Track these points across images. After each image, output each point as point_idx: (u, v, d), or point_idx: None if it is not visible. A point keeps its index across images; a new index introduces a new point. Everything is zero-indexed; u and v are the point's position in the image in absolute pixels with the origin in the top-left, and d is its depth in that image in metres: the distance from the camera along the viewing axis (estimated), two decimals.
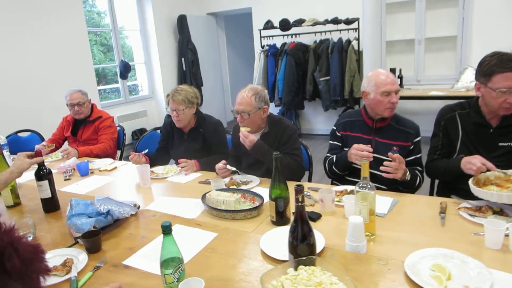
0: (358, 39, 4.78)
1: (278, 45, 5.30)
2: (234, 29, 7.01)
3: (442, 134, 1.76)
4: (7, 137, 2.89)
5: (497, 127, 1.61)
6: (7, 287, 0.61)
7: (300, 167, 1.92)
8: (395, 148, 1.80)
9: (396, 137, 1.81)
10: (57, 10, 4.10)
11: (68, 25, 4.22)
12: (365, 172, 1.21)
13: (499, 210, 1.34)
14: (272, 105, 5.16)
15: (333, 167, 1.90)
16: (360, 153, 1.67)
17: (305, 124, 5.77)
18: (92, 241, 1.25)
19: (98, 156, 2.63)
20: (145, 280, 1.10)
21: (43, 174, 1.61)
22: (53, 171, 1.72)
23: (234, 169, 1.93)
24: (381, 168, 1.60)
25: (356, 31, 4.78)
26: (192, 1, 5.91)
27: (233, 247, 1.25)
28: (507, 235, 1.15)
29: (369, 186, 1.21)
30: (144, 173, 1.90)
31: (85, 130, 2.80)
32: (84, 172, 2.17)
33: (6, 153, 2.36)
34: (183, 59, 5.62)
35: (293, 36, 5.26)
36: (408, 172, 1.67)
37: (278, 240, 1.24)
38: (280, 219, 1.37)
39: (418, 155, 1.82)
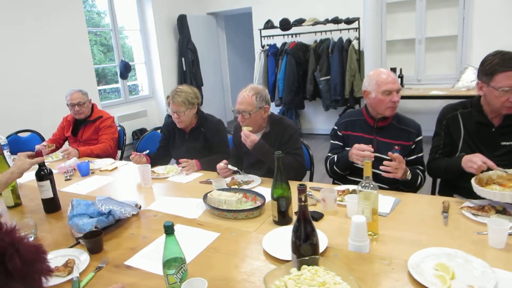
0: (358, 39, 4.77)
1: (279, 45, 5.30)
2: (234, 29, 7.00)
3: (444, 133, 1.76)
4: (7, 137, 2.89)
5: (499, 126, 1.61)
6: None
7: (302, 167, 1.91)
8: (396, 147, 1.79)
9: (397, 137, 1.80)
10: (57, 10, 4.09)
11: (68, 25, 4.21)
12: (368, 171, 1.21)
13: (502, 209, 1.33)
14: (272, 104, 5.15)
15: (334, 167, 1.90)
16: (361, 153, 1.66)
17: (305, 123, 5.77)
18: (93, 241, 1.24)
19: (99, 156, 2.62)
20: (147, 280, 1.09)
21: (44, 174, 1.61)
22: (54, 171, 1.72)
23: (235, 169, 1.93)
24: (381, 167, 1.60)
25: (356, 30, 4.77)
26: (192, 1, 5.91)
27: (235, 247, 1.24)
28: (510, 234, 1.15)
29: (371, 186, 1.21)
30: (145, 173, 1.90)
31: (86, 130, 2.80)
32: (85, 172, 2.17)
33: (6, 153, 2.35)
34: (183, 59, 5.62)
35: (294, 35, 5.25)
36: (409, 172, 1.67)
37: (280, 240, 1.24)
38: (282, 218, 1.37)
39: (420, 154, 1.82)
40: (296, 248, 1.02)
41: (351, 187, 1.67)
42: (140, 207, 1.58)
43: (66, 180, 2.11)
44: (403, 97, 2.78)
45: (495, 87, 1.50)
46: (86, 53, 4.44)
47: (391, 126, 1.83)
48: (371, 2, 4.46)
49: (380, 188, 1.65)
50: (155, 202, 1.68)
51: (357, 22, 4.74)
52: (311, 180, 2.15)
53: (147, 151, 2.20)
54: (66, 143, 2.94)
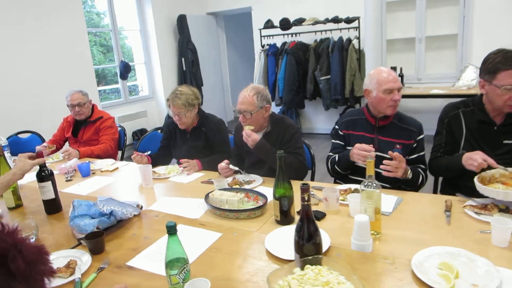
0: (358, 38, 4.77)
1: (279, 45, 5.29)
2: (234, 29, 7.00)
3: (445, 132, 1.75)
4: (7, 138, 2.88)
5: (502, 125, 1.60)
6: None
7: (303, 166, 1.91)
8: (398, 146, 1.79)
9: (399, 135, 1.80)
10: (57, 10, 4.08)
11: (68, 26, 4.21)
12: (371, 170, 1.20)
13: (505, 208, 1.33)
14: (272, 104, 5.14)
15: (336, 167, 1.90)
16: (362, 153, 1.66)
17: (305, 123, 5.76)
18: (95, 242, 1.24)
19: (99, 156, 2.62)
20: (150, 281, 1.09)
21: (45, 175, 1.60)
22: (54, 172, 1.71)
23: (236, 168, 1.93)
24: (381, 166, 1.59)
25: (356, 30, 4.77)
26: (192, 1, 5.90)
27: (237, 247, 1.24)
28: None
29: (374, 185, 1.20)
30: (146, 173, 1.89)
31: (86, 131, 2.79)
32: (86, 173, 2.16)
33: (7, 154, 2.35)
34: (183, 59, 5.61)
35: (294, 35, 5.24)
36: (410, 171, 1.66)
37: (282, 239, 1.23)
38: (284, 218, 1.37)
39: (421, 153, 1.81)
40: (299, 247, 1.01)
41: (353, 186, 1.67)
42: (141, 208, 1.57)
43: (66, 181, 2.11)
44: (403, 96, 2.78)
45: (497, 86, 1.49)
46: (86, 54, 4.44)
47: (392, 125, 1.83)
48: (372, 1, 4.46)
49: (382, 187, 1.64)
50: (157, 203, 1.67)
51: (357, 21, 4.73)
52: (312, 179, 2.14)
53: (149, 152, 2.19)
54: (67, 144, 2.94)
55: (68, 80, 4.13)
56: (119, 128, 2.96)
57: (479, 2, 4.33)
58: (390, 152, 1.59)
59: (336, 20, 4.80)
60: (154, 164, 2.18)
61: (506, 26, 4.22)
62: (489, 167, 1.44)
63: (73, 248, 1.29)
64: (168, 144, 2.38)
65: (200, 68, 5.73)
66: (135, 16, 5.32)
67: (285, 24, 5.12)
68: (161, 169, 2.15)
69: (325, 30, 4.98)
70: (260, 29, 5.39)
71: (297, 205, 1.43)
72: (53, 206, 1.63)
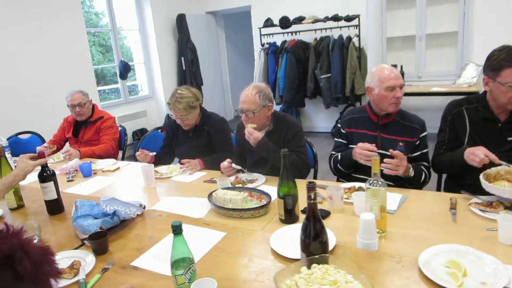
0: (358, 36, 4.76)
1: (278, 43, 5.28)
2: (234, 28, 6.98)
3: (448, 129, 1.75)
4: (7, 139, 2.86)
5: (506, 122, 1.60)
6: None
7: (306, 165, 1.90)
8: (400, 144, 1.78)
9: (401, 133, 1.79)
10: (57, 11, 4.07)
11: (67, 26, 4.19)
12: (376, 168, 1.20)
13: (510, 205, 1.32)
14: None
15: (338, 165, 1.89)
16: (364, 152, 1.65)
17: (306, 121, 5.76)
18: (99, 242, 1.23)
19: (100, 156, 2.61)
20: (155, 281, 1.08)
21: (46, 175, 1.59)
22: (56, 172, 1.70)
23: (239, 167, 1.92)
24: (382, 165, 1.58)
25: (356, 28, 4.76)
26: (191, 0, 5.88)
27: (242, 247, 1.23)
28: None
29: (380, 183, 1.19)
30: (149, 173, 1.88)
31: (87, 131, 2.78)
32: (87, 173, 2.15)
33: (7, 155, 2.34)
34: (182, 58, 5.60)
35: (293, 33, 5.23)
36: (412, 169, 1.66)
37: (287, 238, 1.22)
38: (288, 217, 1.36)
39: (425, 150, 1.80)
40: (306, 246, 1.01)
41: (357, 184, 1.66)
42: (144, 207, 1.56)
43: (68, 181, 2.10)
44: (404, 94, 2.77)
45: (501, 83, 1.49)
46: (85, 54, 4.42)
47: (395, 123, 1.82)
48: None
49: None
50: (160, 202, 1.67)
51: (357, 19, 4.72)
52: (315, 178, 2.14)
53: (154, 153, 2.19)
54: (67, 144, 2.92)
55: (67, 80, 4.12)
56: (119, 128, 2.95)
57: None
58: (391, 150, 1.58)
59: (336, 18, 4.79)
60: (157, 163, 2.17)
61: (506, 23, 4.21)
62: (492, 164, 1.43)
63: (76, 248, 1.28)
64: (170, 143, 2.37)
65: (200, 68, 5.72)
66: (134, 15, 5.30)
67: (285, 23, 5.11)
68: (163, 169, 2.14)
69: (325, 28, 4.97)
70: (260, 28, 5.37)
71: (301, 204, 1.43)
72: (55, 207, 1.62)
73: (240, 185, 1.76)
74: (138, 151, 2.19)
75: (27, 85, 3.85)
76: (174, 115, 2.17)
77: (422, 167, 1.75)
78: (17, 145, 3.07)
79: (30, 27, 3.85)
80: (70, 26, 4.22)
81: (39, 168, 1.59)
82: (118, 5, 5.03)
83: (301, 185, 1.39)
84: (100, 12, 5.40)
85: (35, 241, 1.28)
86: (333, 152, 1.97)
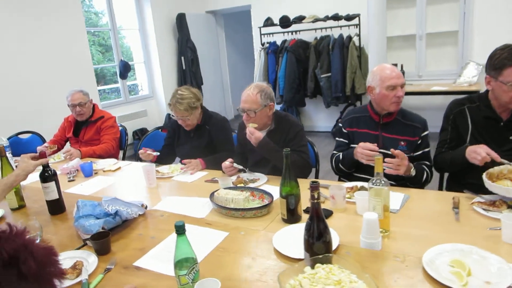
0: (359, 35, 4.75)
1: (278, 42, 5.28)
2: (234, 27, 6.98)
3: (450, 128, 1.74)
4: (8, 139, 2.86)
5: (508, 121, 1.59)
6: None
7: (307, 164, 1.90)
8: (402, 143, 1.78)
9: (403, 132, 1.79)
10: (57, 10, 4.06)
11: (67, 26, 4.18)
12: (379, 167, 1.19)
13: None
14: None
15: (340, 165, 1.89)
16: (366, 152, 1.65)
17: (306, 121, 5.75)
18: (101, 242, 1.22)
19: (101, 156, 2.60)
20: (157, 281, 1.08)
21: (48, 175, 1.59)
22: (57, 172, 1.70)
23: (241, 167, 1.91)
24: (383, 164, 1.58)
25: (357, 27, 4.75)
26: None
27: (245, 246, 1.23)
28: None
29: (382, 182, 1.19)
30: (150, 172, 1.88)
31: (87, 131, 2.78)
32: (88, 173, 2.15)
33: (8, 155, 2.33)
34: (182, 57, 5.59)
35: (294, 33, 5.23)
36: (413, 168, 1.65)
37: (290, 238, 1.22)
38: (291, 216, 1.35)
39: (426, 149, 1.80)
40: (309, 246, 1.00)
41: (359, 183, 1.65)
42: (146, 207, 1.56)
43: (69, 181, 2.09)
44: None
45: (503, 82, 1.48)
46: (85, 54, 4.42)
47: (396, 122, 1.81)
48: None
49: None
50: (161, 202, 1.66)
51: (357, 18, 4.72)
52: (316, 177, 2.13)
53: (158, 153, 2.18)
54: (68, 144, 2.92)
55: (67, 80, 4.11)
56: (120, 128, 2.94)
57: None
58: (392, 149, 1.58)
59: (336, 17, 4.79)
60: (158, 163, 2.17)
61: (506, 22, 4.21)
62: (494, 163, 1.43)
63: (78, 249, 1.28)
64: (172, 143, 2.37)
65: (200, 67, 5.71)
66: (134, 15, 5.29)
67: (285, 22, 5.10)
68: (164, 168, 2.14)
69: (325, 28, 4.97)
70: (260, 27, 5.37)
71: (303, 204, 1.43)
72: (56, 207, 1.62)
73: (242, 185, 1.76)
74: (141, 149, 2.18)
75: (27, 85, 3.84)
76: (176, 116, 2.17)
77: (424, 166, 1.75)
78: (18, 145, 3.07)
79: (30, 27, 3.84)
80: (70, 25, 4.21)
81: (40, 168, 1.59)
82: (118, 5, 5.02)
83: (302, 184, 1.39)
84: (99, 12, 5.39)
85: (37, 242, 1.28)
86: (334, 152, 1.96)
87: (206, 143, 2.23)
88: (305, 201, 1.44)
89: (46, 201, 1.62)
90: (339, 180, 2.01)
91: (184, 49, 5.55)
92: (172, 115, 2.20)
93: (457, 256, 1.03)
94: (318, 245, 0.99)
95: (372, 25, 4.27)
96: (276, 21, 5.18)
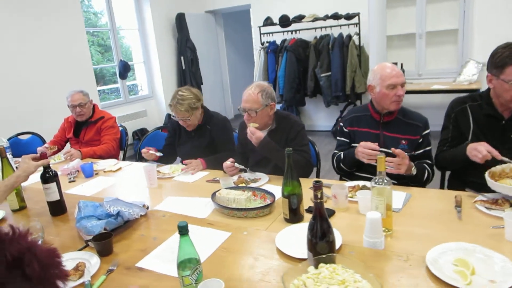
0: (358, 34, 4.75)
1: (278, 42, 5.27)
2: (233, 27, 6.97)
3: (452, 127, 1.74)
4: (8, 140, 2.85)
5: (509, 119, 1.59)
6: None
7: (308, 164, 1.89)
8: (403, 142, 1.78)
9: (404, 131, 1.79)
10: (57, 11, 4.06)
11: (67, 26, 4.18)
12: (381, 166, 1.19)
13: None
14: None
15: (341, 164, 1.88)
16: (367, 151, 1.65)
17: (306, 120, 5.75)
18: (103, 243, 1.22)
19: (102, 157, 2.60)
20: (160, 282, 1.08)
21: (49, 176, 1.58)
22: (58, 173, 1.69)
23: (242, 167, 1.91)
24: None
25: (356, 26, 4.75)
26: None
27: (248, 246, 1.22)
28: None
29: (385, 181, 1.19)
30: (151, 173, 1.88)
31: (88, 131, 2.77)
32: (89, 173, 2.14)
33: (9, 156, 2.32)
34: (182, 57, 5.58)
35: (293, 32, 5.22)
36: (414, 167, 1.65)
37: (292, 238, 1.22)
38: (293, 216, 1.35)
39: (428, 148, 1.80)
40: (313, 246, 1.00)
41: (361, 182, 1.65)
42: (147, 208, 1.56)
43: (70, 182, 2.09)
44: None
45: (505, 80, 1.48)
46: (85, 54, 4.41)
47: (397, 121, 1.81)
48: None
49: None
50: (163, 202, 1.66)
51: (357, 17, 4.71)
52: (317, 176, 2.13)
53: (161, 154, 2.18)
54: (68, 144, 2.91)
55: (67, 80, 4.11)
56: (120, 128, 2.94)
57: None
58: (393, 149, 1.58)
59: (336, 16, 4.78)
60: (159, 162, 2.16)
61: (506, 20, 4.21)
62: (495, 161, 1.42)
63: (80, 250, 1.27)
64: (172, 142, 2.36)
65: (200, 67, 5.70)
66: (133, 15, 5.28)
67: (285, 21, 5.10)
68: (165, 169, 2.13)
69: (325, 27, 4.96)
70: (260, 27, 5.36)
71: (305, 203, 1.43)
72: (58, 208, 1.62)
73: (244, 185, 1.76)
74: (144, 149, 2.18)
75: (27, 85, 3.83)
76: (177, 117, 2.16)
77: (425, 165, 1.75)
78: (18, 146, 3.06)
79: (30, 27, 3.83)
80: (70, 26, 4.20)
81: (41, 169, 1.58)
82: (117, 5, 5.01)
83: (304, 184, 1.38)
84: (99, 12, 5.38)
85: (39, 243, 1.27)
86: (335, 151, 1.96)
87: (207, 143, 2.23)
88: (306, 201, 1.44)
89: (47, 202, 1.61)
90: (340, 179, 2.01)
91: (184, 49, 5.55)
92: (173, 116, 2.19)
93: (460, 255, 1.03)
94: (322, 245, 0.99)
95: (372, 24, 4.27)
96: (276, 20, 5.18)
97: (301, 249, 1.11)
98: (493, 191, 1.36)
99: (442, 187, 1.93)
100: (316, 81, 4.98)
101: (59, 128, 2.91)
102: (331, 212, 1.40)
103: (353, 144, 1.86)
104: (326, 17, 4.85)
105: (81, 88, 2.77)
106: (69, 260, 1.18)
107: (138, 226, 1.43)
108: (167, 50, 5.53)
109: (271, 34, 5.36)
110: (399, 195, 1.49)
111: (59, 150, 2.81)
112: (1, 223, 1.59)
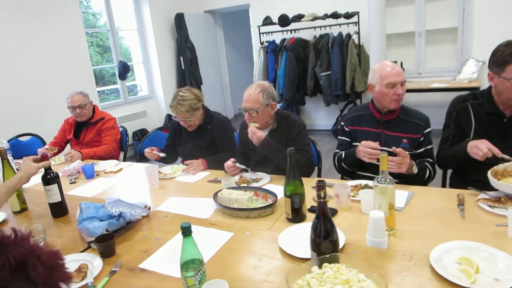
0: (358, 33, 4.74)
1: (278, 41, 5.27)
2: (232, 26, 6.96)
3: (453, 125, 1.74)
4: (8, 141, 2.84)
5: (511, 117, 1.59)
6: None
7: (310, 163, 1.89)
8: (404, 140, 1.77)
9: (405, 129, 1.78)
10: (57, 11, 4.05)
11: (67, 26, 4.17)
12: (384, 165, 1.19)
13: None
14: None
15: (342, 163, 1.88)
16: (368, 150, 1.64)
17: (306, 120, 5.74)
18: (106, 245, 1.21)
19: (102, 158, 2.59)
20: (163, 283, 1.07)
21: (50, 178, 1.58)
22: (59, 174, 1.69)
23: (243, 167, 1.90)
24: None
25: (356, 25, 4.75)
26: None
27: (250, 247, 1.22)
28: None
29: (388, 180, 1.19)
30: (153, 173, 1.87)
31: (88, 132, 2.76)
32: (90, 174, 2.14)
33: (9, 157, 2.32)
34: (181, 57, 5.57)
35: (293, 31, 5.22)
36: (415, 166, 1.65)
37: (295, 237, 1.21)
38: (296, 216, 1.35)
39: (429, 146, 1.79)
40: (316, 245, 1.00)
41: (363, 182, 1.65)
42: (149, 209, 1.55)
43: (71, 183, 2.08)
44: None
45: (506, 78, 1.48)
46: (84, 54, 4.40)
47: (398, 119, 1.81)
48: None
49: None
50: (165, 203, 1.65)
51: (356, 16, 4.71)
52: (319, 176, 2.13)
53: (164, 155, 2.17)
54: (68, 145, 2.91)
55: (67, 80, 4.10)
56: (120, 129, 2.93)
57: None
58: (393, 148, 1.58)
59: (335, 15, 4.78)
60: (161, 162, 2.16)
61: (505, 18, 4.21)
62: (496, 159, 1.42)
63: (82, 251, 1.27)
64: (173, 142, 2.36)
65: (199, 67, 5.70)
66: (132, 15, 5.27)
67: (284, 21, 5.09)
68: (166, 169, 2.13)
69: (325, 26, 4.96)
70: (259, 26, 5.35)
71: (308, 203, 1.42)
72: (59, 209, 1.61)
73: (245, 185, 1.75)
74: (147, 148, 2.17)
75: (27, 86, 3.83)
76: (177, 117, 2.16)
77: (427, 163, 1.74)
78: (18, 147, 3.06)
79: (30, 27, 3.83)
80: (69, 26, 4.20)
81: (42, 170, 1.58)
82: (116, 5, 5.00)
83: (305, 183, 1.38)
84: (97, 12, 5.37)
85: (41, 245, 1.27)
86: (337, 150, 1.96)
87: (208, 143, 2.23)
88: (308, 200, 1.44)
89: (49, 203, 1.61)
90: (342, 178, 2.01)
91: (183, 49, 5.54)
92: (174, 117, 2.19)
93: (464, 254, 1.03)
94: (325, 244, 0.99)
95: (371, 23, 4.26)
96: (275, 19, 5.17)
97: (303, 249, 1.11)
98: (496, 189, 1.36)
99: (444, 185, 1.93)
100: (316, 80, 4.98)
101: (59, 129, 2.90)
102: (334, 212, 1.40)
103: (354, 143, 1.86)
104: (326, 16, 4.84)
105: (81, 89, 2.76)
106: (71, 262, 1.18)
107: (140, 227, 1.43)
108: (167, 50, 5.53)
109: (270, 34, 5.36)
110: (401, 194, 1.49)
111: (59, 152, 2.80)
112: (3, 225, 1.59)
